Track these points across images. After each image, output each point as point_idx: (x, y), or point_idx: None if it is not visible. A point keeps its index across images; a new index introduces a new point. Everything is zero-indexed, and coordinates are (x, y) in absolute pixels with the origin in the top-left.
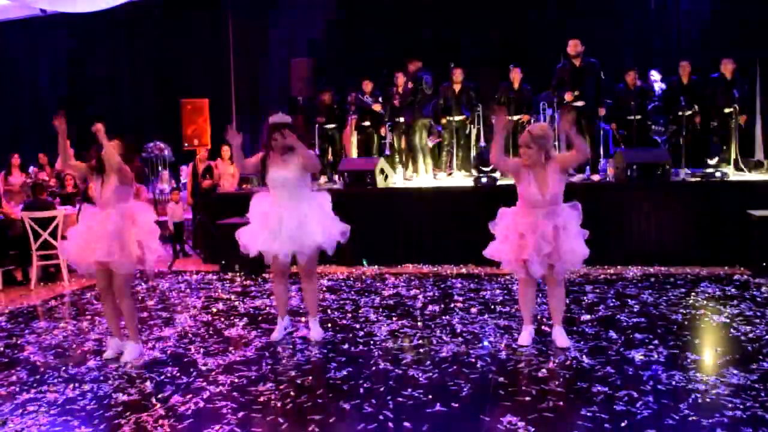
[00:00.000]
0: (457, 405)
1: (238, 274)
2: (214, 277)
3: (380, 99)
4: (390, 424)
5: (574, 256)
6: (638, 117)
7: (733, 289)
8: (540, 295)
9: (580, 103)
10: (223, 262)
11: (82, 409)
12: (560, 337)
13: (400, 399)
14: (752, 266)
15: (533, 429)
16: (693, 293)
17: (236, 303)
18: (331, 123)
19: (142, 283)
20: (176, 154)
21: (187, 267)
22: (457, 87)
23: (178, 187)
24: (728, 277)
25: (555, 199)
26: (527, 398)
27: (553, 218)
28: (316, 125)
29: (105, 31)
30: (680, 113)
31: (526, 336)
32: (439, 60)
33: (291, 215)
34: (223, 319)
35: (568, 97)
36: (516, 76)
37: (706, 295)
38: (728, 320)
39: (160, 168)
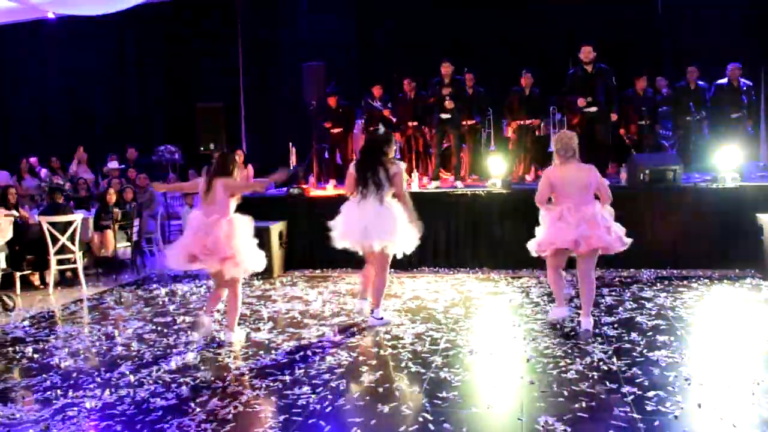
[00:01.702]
0: (492, 407)
1: (256, 277)
2: None
3: (389, 104)
4: (430, 426)
5: None
6: (647, 122)
7: (746, 292)
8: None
9: (592, 109)
10: None
11: (122, 414)
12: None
13: (437, 401)
14: (763, 269)
15: (570, 429)
16: (708, 295)
17: (258, 307)
18: (338, 127)
19: (161, 288)
20: (190, 158)
21: (203, 270)
22: (468, 91)
23: None
24: (740, 279)
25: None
26: (560, 399)
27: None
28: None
29: (116, 34)
30: (688, 118)
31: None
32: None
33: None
34: (248, 323)
35: (580, 103)
36: (527, 81)
37: (721, 297)
38: (745, 322)
39: (170, 172)
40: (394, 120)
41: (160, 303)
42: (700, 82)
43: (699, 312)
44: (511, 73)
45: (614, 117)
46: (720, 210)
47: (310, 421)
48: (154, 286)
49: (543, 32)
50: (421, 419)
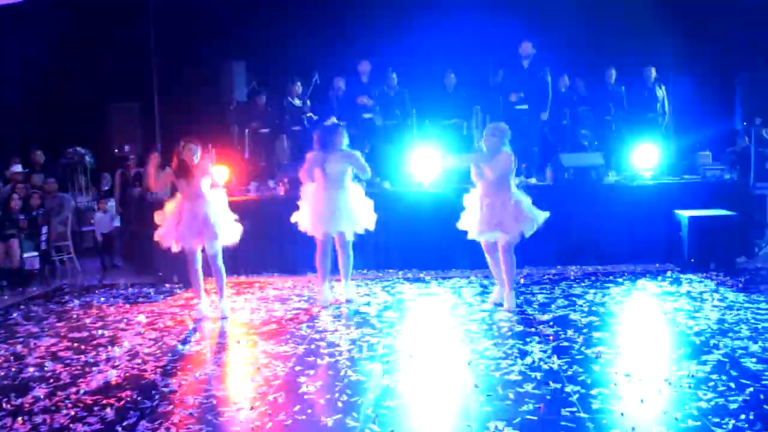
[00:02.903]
0: (440, 413)
1: (177, 285)
2: (152, 289)
3: (308, 101)
4: None
5: (516, 228)
6: (568, 122)
7: (668, 286)
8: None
9: (523, 106)
10: (160, 273)
11: None
12: (509, 300)
13: (383, 410)
14: (681, 263)
15: None
16: (634, 290)
17: (182, 317)
18: (265, 128)
19: (74, 300)
20: (103, 160)
21: (119, 279)
22: (390, 92)
23: (102, 195)
24: (661, 273)
25: (502, 180)
26: (507, 402)
27: (500, 195)
28: (248, 130)
29: (13, 27)
30: (607, 118)
31: (495, 293)
32: (375, 64)
33: (344, 201)
34: (173, 335)
35: (512, 98)
36: (451, 80)
37: (646, 291)
38: (671, 315)
39: (80, 175)
40: (315, 117)
41: (75, 317)
42: (618, 84)
43: (628, 307)
44: (435, 73)
45: (544, 116)
46: (640, 207)
47: None
48: (67, 298)
49: (467, 32)
50: (368, 431)
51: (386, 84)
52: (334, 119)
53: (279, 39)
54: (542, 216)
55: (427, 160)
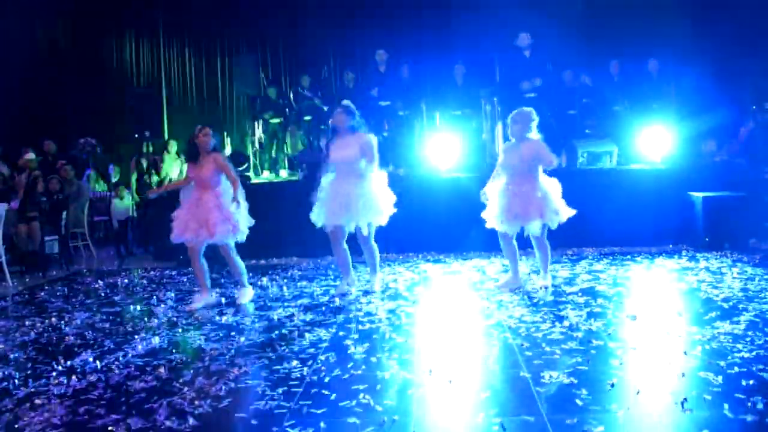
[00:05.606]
0: (497, 367)
1: None
2: (174, 272)
3: (319, 94)
4: (443, 385)
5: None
6: (574, 111)
7: (686, 262)
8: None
9: (531, 94)
10: (182, 257)
11: (100, 398)
12: (547, 281)
13: (436, 366)
14: (695, 242)
15: (576, 380)
16: (654, 267)
17: (213, 293)
18: (277, 118)
19: (98, 281)
20: (123, 148)
21: (137, 265)
22: (403, 82)
23: (113, 183)
24: (677, 252)
25: (528, 168)
26: (554, 356)
27: (525, 184)
28: (261, 120)
29: (29, 16)
30: (616, 108)
31: (506, 280)
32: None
33: (357, 192)
34: (206, 308)
35: (525, 86)
36: (459, 72)
37: (665, 267)
38: (695, 286)
39: (89, 167)
40: (326, 108)
41: (103, 295)
42: (623, 75)
43: (652, 280)
44: (445, 64)
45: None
46: (652, 190)
47: (312, 391)
48: (89, 280)
49: (476, 24)
50: (427, 381)
51: (399, 75)
52: (346, 102)
53: (290, 31)
54: (567, 213)
55: (442, 147)
